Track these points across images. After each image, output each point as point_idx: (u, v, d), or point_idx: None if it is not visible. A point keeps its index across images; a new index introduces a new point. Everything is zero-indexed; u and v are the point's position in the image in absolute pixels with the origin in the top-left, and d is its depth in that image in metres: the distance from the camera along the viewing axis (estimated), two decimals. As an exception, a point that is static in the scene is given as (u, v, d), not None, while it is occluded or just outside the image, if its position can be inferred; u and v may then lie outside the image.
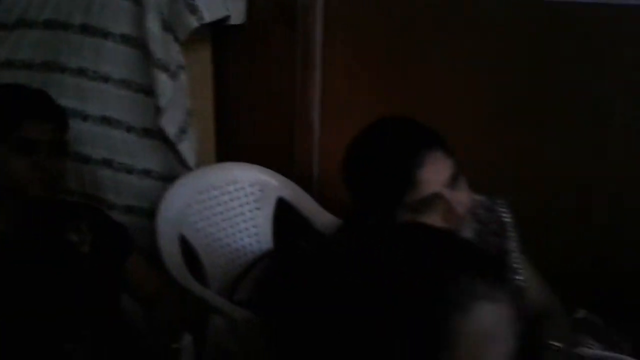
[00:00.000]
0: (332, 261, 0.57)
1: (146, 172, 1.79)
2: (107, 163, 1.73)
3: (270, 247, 1.81)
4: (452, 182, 1.00)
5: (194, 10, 1.69)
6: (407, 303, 0.50)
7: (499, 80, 1.66)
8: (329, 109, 1.92)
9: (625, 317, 1.36)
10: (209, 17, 1.73)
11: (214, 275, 1.74)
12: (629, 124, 1.53)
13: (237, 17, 1.88)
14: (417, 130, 1.02)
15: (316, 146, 1.97)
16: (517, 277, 1.19)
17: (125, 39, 1.67)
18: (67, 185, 1.63)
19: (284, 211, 1.84)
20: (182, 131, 1.74)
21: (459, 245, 0.57)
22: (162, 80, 1.64)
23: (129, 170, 1.76)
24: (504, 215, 1.23)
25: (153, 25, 1.62)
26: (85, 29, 1.68)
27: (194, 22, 1.69)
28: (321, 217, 1.81)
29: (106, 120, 1.72)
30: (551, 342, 1.11)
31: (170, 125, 1.69)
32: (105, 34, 1.67)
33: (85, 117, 1.70)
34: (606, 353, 1.21)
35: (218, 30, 1.94)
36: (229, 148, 2.08)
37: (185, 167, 1.76)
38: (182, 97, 1.76)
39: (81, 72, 1.69)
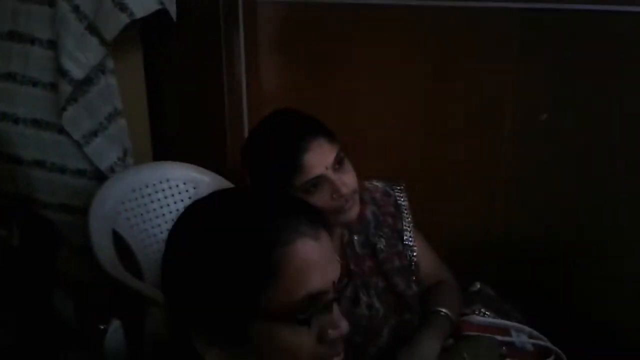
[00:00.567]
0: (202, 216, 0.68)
1: (80, 172, 1.85)
2: (40, 164, 1.79)
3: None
4: (336, 166, 1.11)
5: (123, 7, 1.74)
6: (246, 241, 0.62)
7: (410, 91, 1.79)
8: (256, 107, 2.02)
9: (516, 288, 1.50)
10: (141, 12, 1.77)
11: (149, 269, 1.82)
12: (518, 128, 1.67)
13: (172, 12, 1.95)
14: (303, 121, 1.13)
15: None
16: (411, 252, 1.31)
17: (51, 45, 1.74)
18: (1, 186, 1.69)
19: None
20: (93, 134, 1.81)
21: (292, 200, 0.69)
22: (63, 87, 1.71)
23: (62, 170, 1.82)
24: (400, 198, 1.35)
25: (64, 34, 1.69)
26: (13, 36, 1.74)
27: (125, 19, 1.73)
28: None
29: (37, 123, 1.78)
30: (439, 309, 1.24)
31: (74, 128, 1.77)
32: (32, 40, 1.74)
33: (16, 120, 1.76)
34: (494, 320, 1.34)
35: (148, 35, 2.02)
36: (164, 147, 2.17)
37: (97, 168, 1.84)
38: (103, 100, 1.82)
39: (10, 77, 1.75)
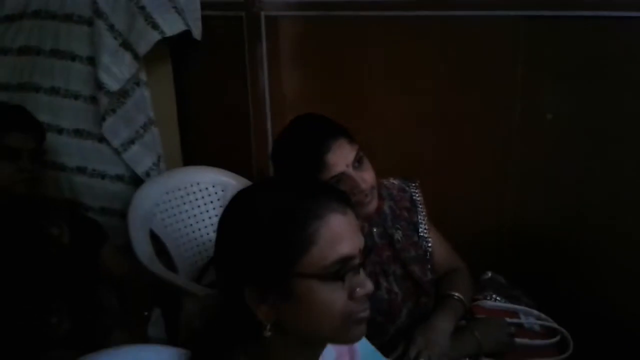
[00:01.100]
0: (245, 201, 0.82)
1: (118, 177, 2.01)
2: (82, 170, 1.95)
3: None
4: (356, 164, 1.24)
5: (155, 26, 1.91)
6: (288, 216, 0.77)
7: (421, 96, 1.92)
8: (279, 115, 2.16)
9: (526, 276, 1.61)
10: (170, 31, 1.95)
11: (183, 266, 1.96)
12: (525, 126, 1.78)
13: (196, 34, 2.11)
14: (325, 124, 1.26)
15: (270, 147, 2.21)
16: (426, 243, 1.43)
17: (90, 60, 1.90)
18: (47, 191, 1.84)
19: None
20: (131, 142, 1.96)
21: (323, 184, 0.83)
22: (101, 99, 1.88)
23: (102, 176, 1.97)
24: (415, 194, 1.48)
25: (101, 51, 1.85)
26: (55, 54, 1.90)
27: (156, 36, 1.89)
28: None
29: (79, 133, 1.94)
30: (452, 293, 1.36)
31: (113, 136, 1.92)
32: (73, 57, 1.90)
33: (60, 131, 1.92)
34: (504, 304, 1.46)
35: (176, 50, 2.17)
36: (193, 153, 2.32)
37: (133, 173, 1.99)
38: (138, 111, 1.97)
39: (54, 91, 1.91)
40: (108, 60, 1.87)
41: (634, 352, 1.57)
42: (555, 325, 1.40)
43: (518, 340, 1.34)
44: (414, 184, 1.49)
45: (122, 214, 1.91)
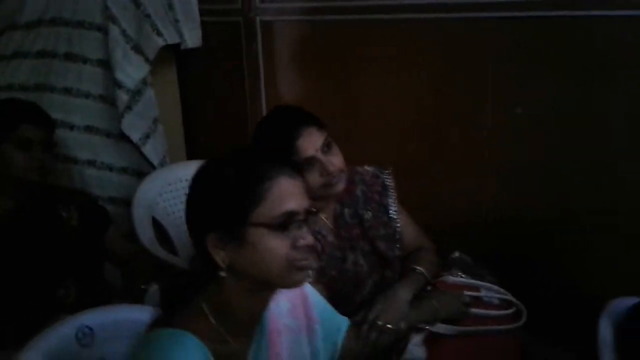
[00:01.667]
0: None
1: (124, 170, 2.19)
2: (92, 163, 2.13)
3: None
4: (325, 149, 1.40)
5: (159, 32, 2.11)
6: (245, 175, 0.94)
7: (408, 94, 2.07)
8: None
9: (492, 257, 1.74)
10: (170, 40, 2.15)
11: (182, 247, 2.12)
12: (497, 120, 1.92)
13: (195, 41, 2.30)
14: (297, 113, 1.42)
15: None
16: (395, 223, 1.57)
17: (101, 63, 2.09)
18: (60, 182, 2.03)
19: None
20: (147, 136, 2.14)
21: (279, 155, 1.00)
22: (121, 97, 2.05)
23: (110, 168, 2.16)
24: (387, 180, 1.62)
25: (116, 53, 2.04)
26: (69, 57, 2.09)
27: (160, 42, 2.10)
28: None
29: (89, 129, 2.12)
30: (415, 267, 1.50)
31: (132, 131, 2.10)
32: (84, 60, 2.09)
33: (71, 127, 2.11)
34: (466, 280, 1.59)
35: (181, 53, 2.36)
36: (196, 148, 2.50)
37: (150, 165, 2.16)
38: (148, 109, 2.15)
39: (67, 91, 2.10)
40: (123, 62, 2.06)
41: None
42: (512, 298, 1.53)
43: (474, 310, 1.47)
44: (386, 171, 1.64)
45: (128, 203, 2.09)
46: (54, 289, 1.61)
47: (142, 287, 1.58)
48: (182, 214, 2.14)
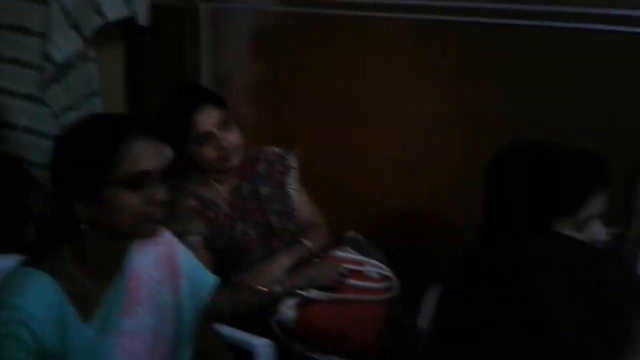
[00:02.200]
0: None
1: (44, 136, 2.30)
2: (29, 130, 2.24)
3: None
4: (222, 126, 1.54)
5: (99, 11, 2.22)
6: (106, 138, 1.07)
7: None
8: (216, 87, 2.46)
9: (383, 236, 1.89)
10: (112, 17, 2.26)
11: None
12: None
13: (143, 20, 2.41)
14: (200, 91, 1.58)
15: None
16: (292, 200, 1.72)
17: (43, 36, 2.20)
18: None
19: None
20: (69, 108, 2.26)
21: (139, 121, 1.12)
22: (48, 68, 2.17)
23: (47, 137, 2.27)
24: (292, 161, 1.77)
25: (53, 28, 2.14)
26: (16, 28, 2.19)
27: (99, 21, 2.21)
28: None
29: (29, 97, 2.23)
30: (301, 240, 1.65)
31: (53, 102, 2.22)
32: (29, 31, 2.20)
33: (13, 94, 2.22)
34: (352, 255, 1.74)
35: (131, 33, 2.48)
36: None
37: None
38: (79, 84, 2.27)
39: (13, 60, 2.21)
40: (57, 37, 2.17)
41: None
42: (389, 274, 1.69)
43: (351, 280, 1.63)
44: (292, 153, 1.79)
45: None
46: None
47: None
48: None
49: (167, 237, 1.28)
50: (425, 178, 2.06)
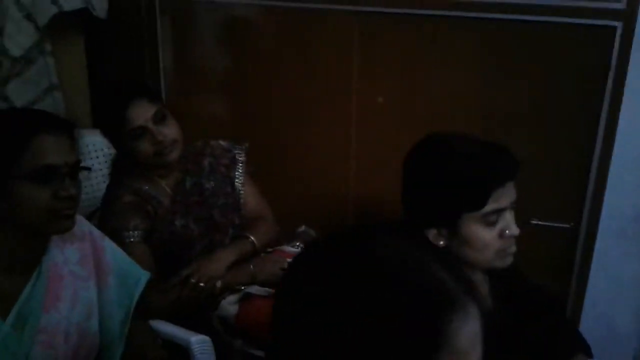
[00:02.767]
0: None
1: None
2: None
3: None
4: (157, 120, 1.51)
5: (54, 0, 2.19)
6: (8, 132, 1.05)
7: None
8: (172, 83, 2.44)
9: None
10: (68, 6, 2.22)
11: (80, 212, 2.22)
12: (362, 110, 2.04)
13: (101, 12, 2.38)
14: (129, 86, 1.55)
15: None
16: (239, 194, 1.70)
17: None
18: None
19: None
20: (32, 103, 2.22)
21: (38, 112, 1.13)
22: (5, 64, 2.13)
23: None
24: (239, 155, 1.75)
25: (7, 20, 2.11)
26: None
27: (54, 9, 2.17)
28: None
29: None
30: (245, 234, 1.63)
31: (18, 97, 2.18)
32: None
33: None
34: (295, 250, 1.72)
35: (90, 24, 2.45)
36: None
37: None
38: (40, 76, 2.23)
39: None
40: (12, 29, 2.14)
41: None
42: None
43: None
44: (240, 147, 1.77)
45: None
46: None
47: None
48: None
49: (94, 234, 1.26)
50: (381, 174, 2.06)
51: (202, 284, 1.47)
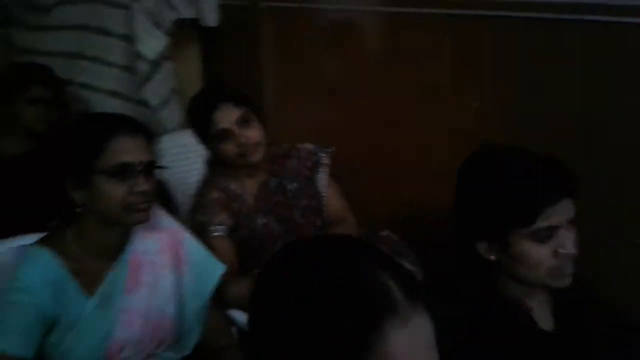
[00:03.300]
0: None
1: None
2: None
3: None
4: (242, 123, 1.60)
5: (172, 7, 2.40)
6: (88, 134, 1.20)
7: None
8: (277, 87, 2.55)
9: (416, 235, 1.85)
10: (185, 14, 2.42)
11: (182, 208, 2.41)
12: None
13: (212, 21, 2.56)
14: (218, 90, 1.65)
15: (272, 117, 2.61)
16: (321, 196, 1.75)
17: (124, 37, 2.41)
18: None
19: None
20: (164, 102, 2.44)
21: (119, 116, 1.25)
22: (141, 67, 2.36)
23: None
24: (323, 158, 1.80)
25: (138, 27, 2.34)
26: (99, 31, 2.43)
27: (173, 15, 2.39)
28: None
29: (112, 93, 2.47)
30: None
31: (153, 97, 2.41)
32: (110, 34, 2.43)
33: (97, 90, 2.46)
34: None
35: (206, 32, 2.64)
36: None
37: (163, 128, 2.48)
38: (167, 78, 2.45)
39: (95, 59, 2.45)
40: (144, 36, 2.38)
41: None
42: (417, 274, 1.66)
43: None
44: (326, 150, 1.82)
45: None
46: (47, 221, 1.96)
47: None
48: (186, 174, 2.48)
49: (173, 227, 1.37)
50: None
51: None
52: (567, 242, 1.01)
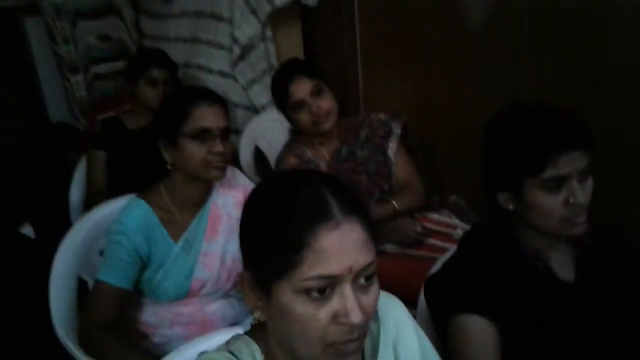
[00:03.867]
0: None
1: (247, 107, 2.79)
2: (223, 100, 2.77)
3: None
4: (314, 93, 1.77)
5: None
6: (179, 104, 1.43)
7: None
8: (368, 63, 2.67)
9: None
10: (280, 3, 2.63)
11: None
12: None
13: (312, 1, 2.74)
14: (292, 64, 1.82)
15: (361, 94, 2.75)
16: (391, 163, 1.88)
17: (228, 21, 2.68)
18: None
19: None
20: (253, 82, 2.68)
21: (201, 88, 1.46)
22: (235, 49, 2.62)
23: (236, 105, 2.77)
24: (395, 127, 1.92)
25: (237, 14, 2.58)
26: (212, 16, 2.71)
27: (269, 7, 2.60)
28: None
29: (222, 73, 2.75)
30: (390, 199, 1.80)
31: (241, 77, 2.66)
32: (220, 18, 2.70)
33: (210, 71, 2.76)
34: (448, 218, 1.83)
35: (306, 13, 2.83)
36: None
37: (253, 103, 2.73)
38: (259, 60, 2.68)
39: (208, 43, 2.75)
40: (240, 21, 2.63)
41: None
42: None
43: (431, 240, 1.73)
44: (398, 119, 1.94)
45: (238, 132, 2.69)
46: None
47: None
48: (276, 144, 2.71)
49: (247, 186, 1.59)
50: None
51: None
52: (578, 192, 1.05)
